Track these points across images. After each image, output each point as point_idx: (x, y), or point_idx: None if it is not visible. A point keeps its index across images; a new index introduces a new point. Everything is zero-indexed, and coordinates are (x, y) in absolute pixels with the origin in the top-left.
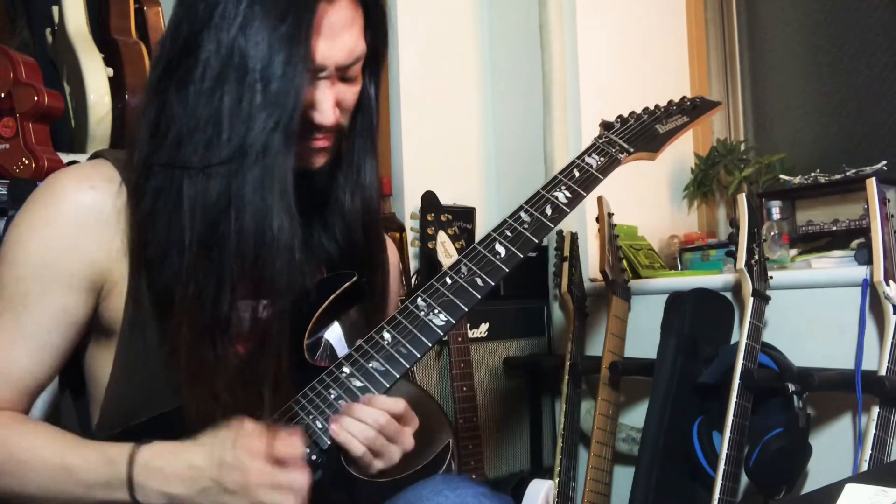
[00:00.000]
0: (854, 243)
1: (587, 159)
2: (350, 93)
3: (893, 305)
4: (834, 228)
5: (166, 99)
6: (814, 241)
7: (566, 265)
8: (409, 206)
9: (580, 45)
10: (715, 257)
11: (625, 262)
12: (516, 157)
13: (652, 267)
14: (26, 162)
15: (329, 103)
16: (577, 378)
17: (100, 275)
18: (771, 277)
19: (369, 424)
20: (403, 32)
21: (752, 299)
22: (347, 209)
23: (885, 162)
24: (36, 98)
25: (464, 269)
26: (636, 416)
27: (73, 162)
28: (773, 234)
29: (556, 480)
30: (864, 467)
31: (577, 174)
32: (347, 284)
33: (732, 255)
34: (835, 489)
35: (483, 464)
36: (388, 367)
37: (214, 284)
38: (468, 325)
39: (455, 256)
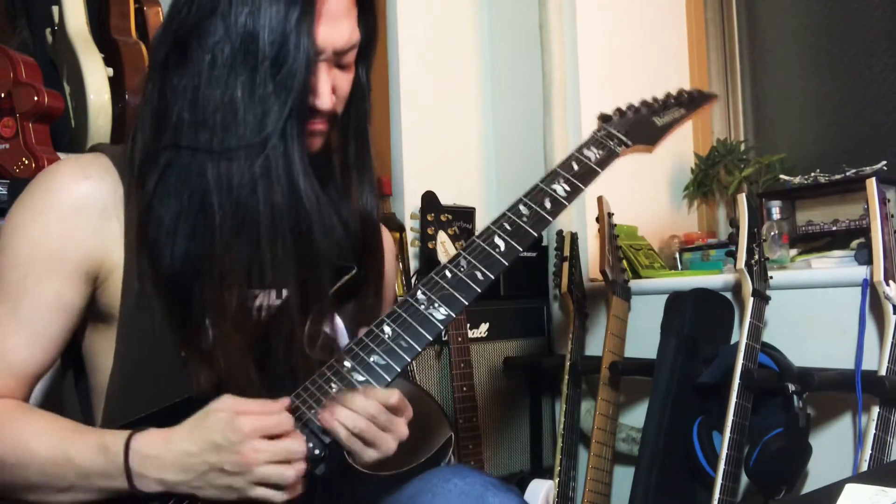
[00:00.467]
0: (854, 243)
1: (585, 152)
2: (345, 80)
3: (893, 305)
4: (834, 228)
5: (172, 84)
6: (814, 241)
7: (566, 265)
8: (409, 206)
9: (580, 45)
10: (715, 257)
11: (625, 262)
12: (516, 157)
13: (652, 267)
14: (26, 162)
15: (327, 87)
16: (577, 378)
17: (95, 262)
18: (771, 277)
19: (359, 413)
20: (403, 32)
21: (752, 299)
22: (344, 197)
23: (885, 162)
24: (36, 98)
25: (463, 263)
26: (636, 416)
27: None
28: (773, 234)
29: (556, 480)
30: (864, 467)
31: (575, 167)
32: (347, 277)
33: (732, 255)
34: (835, 489)
35: (483, 464)
36: (388, 360)
37: (247, 261)
38: (468, 325)
39: None
